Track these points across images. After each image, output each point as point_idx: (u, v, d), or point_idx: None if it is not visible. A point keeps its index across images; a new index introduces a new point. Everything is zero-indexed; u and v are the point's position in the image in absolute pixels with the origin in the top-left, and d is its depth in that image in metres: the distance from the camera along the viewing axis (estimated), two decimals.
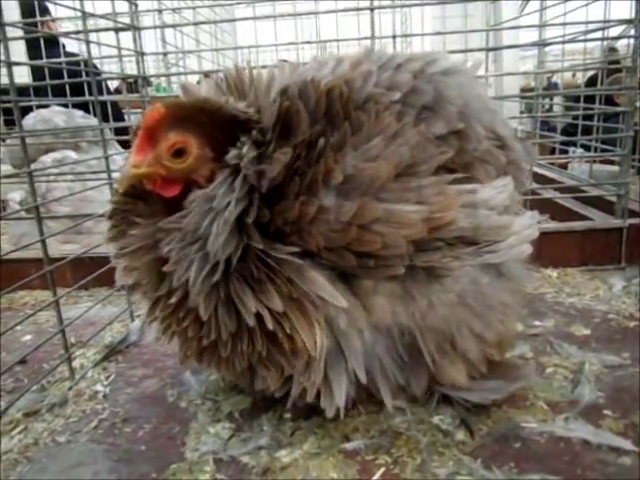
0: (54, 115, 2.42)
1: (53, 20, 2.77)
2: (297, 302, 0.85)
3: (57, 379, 1.24)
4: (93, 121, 2.63)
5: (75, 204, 2.04)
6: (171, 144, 0.84)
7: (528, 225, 1.01)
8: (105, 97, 2.33)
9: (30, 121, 2.43)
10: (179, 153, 0.85)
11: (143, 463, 0.95)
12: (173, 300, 0.86)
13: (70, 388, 1.20)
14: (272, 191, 0.85)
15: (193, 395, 1.14)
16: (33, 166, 2.40)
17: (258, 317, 0.83)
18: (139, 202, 0.92)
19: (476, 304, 0.93)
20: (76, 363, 1.30)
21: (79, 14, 1.39)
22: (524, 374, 1.04)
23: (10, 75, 1.08)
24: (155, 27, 1.91)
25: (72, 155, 2.43)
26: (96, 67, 2.11)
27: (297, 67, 1.02)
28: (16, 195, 2.39)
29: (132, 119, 2.21)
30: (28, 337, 1.52)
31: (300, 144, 0.85)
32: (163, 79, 3.43)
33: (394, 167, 0.84)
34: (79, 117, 2.52)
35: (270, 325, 0.83)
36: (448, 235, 0.88)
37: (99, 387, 1.20)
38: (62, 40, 2.52)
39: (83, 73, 1.92)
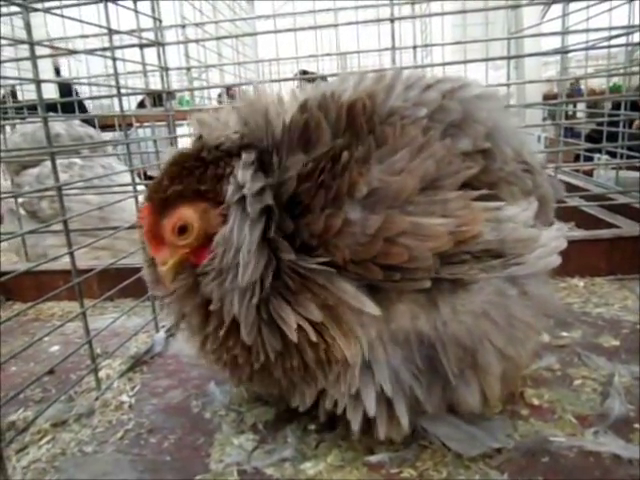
0: (55, 124, 2.48)
1: None
2: (332, 310, 0.85)
3: (84, 389, 1.26)
4: (91, 130, 2.71)
5: (93, 213, 2.07)
6: (171, 229, 0.88)
7: (555, 237, 1.00)
8: (131, 112, 2.37)
9: (29, 128, 2.49)
10: (184, 229, 0.87)
11: (168, 474, 0.95)
12: (221, 333, 0.87)
13: (96, 398, 1.21)
14: (297, 205, 0.86)
15: (217, 406, 1.15)
16: (37, 170, 2.48)
17: (299, 331, 0.84)
18: None
19: (500, 317, 0.91)
20: (102, 374, 1.32)
21: (105, 31, 1.42)
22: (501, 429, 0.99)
23: (39, 91, 1.11)
24: (179, 42, 1.94)
25: (78, 161, 2.49)
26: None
27: (319, 84, 1.03)
28: (19, 198, 2.43)
29: (157, 132, 2.24)
30: (56, 347, 1.54)
31: (323, 157, 0.86)
32: (186, 93, 3.49)
33: (420, 180, 0.84)
34: (78, 126, 2.59)
35: (313, 337, 0.84)
36: (475, 248, 0.88)
37: (125, 398, 1.22)
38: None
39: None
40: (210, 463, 0.97)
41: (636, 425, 0.98)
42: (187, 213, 0.87)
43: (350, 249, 0.83)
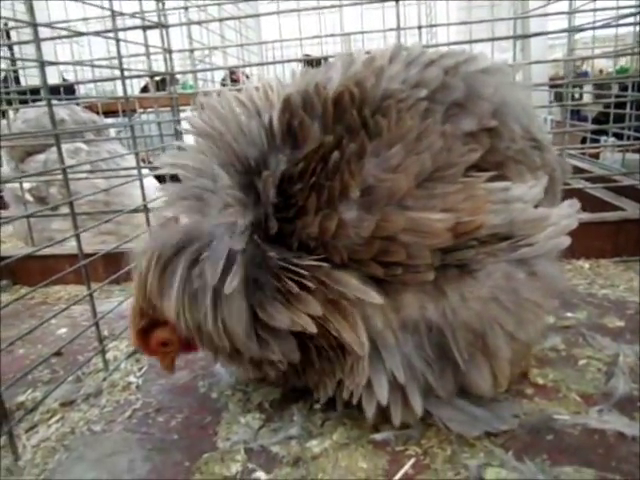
0: (58, 110, 2.47)
1: None
2: (334, 304, 0.86)
3: (91, 371, 1.28)
4: (95, 116, 2.72)
5: (97, 195, 2.08)
6: (156, 345, 1.01)
7: (567, 215, 0.98)
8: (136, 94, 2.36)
9: (32, 115, 2.49)
10: (166, 344, 1.01)
11: (176, 452, 0.97)
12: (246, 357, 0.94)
13: (104, 379, 1.23)
14: (292, 206, 0.86)
15: (224, 386, 1.16)
16: (43, 157, 2.48)
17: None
18: None
19: (508, 301, 0.90)
20: (109, 355, 1.33)
21: (107, 13, 1.41)
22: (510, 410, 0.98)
23: (42, 73, 1.10)
24: (182, 24, 1.93)
25: (83, 147, 2.49)
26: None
27: (307, 71, 1.00)
28: (26, 184, 2.44)
29: (160, 117, 2.23)
30: (63, 330, 1.56)
31: (313, 156, 0.85)
32: (190, 76, 3.47)
33: (414, 178, 0.83)
34: (81, 111, 2.59)
35: (313, 329, 0.85)
36: (481, 234, 0.87)
37: (132, 378, 1.23)
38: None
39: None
40: (217, 441, 0.98)
41: None
42: (161, 334, 0.99)
43: (347, 249, 0.83)
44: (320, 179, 0.84)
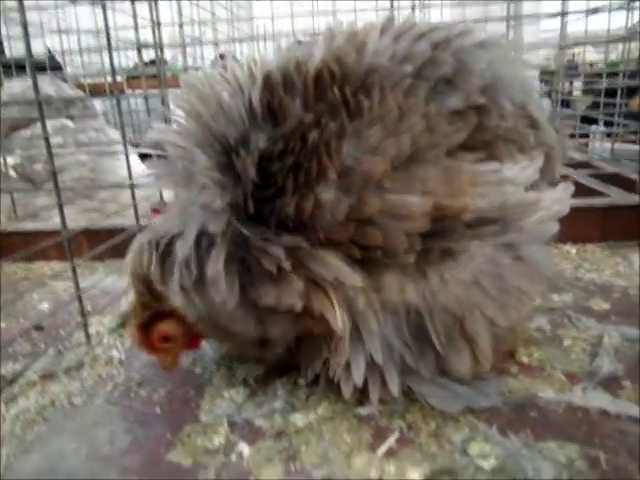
0: (44, 85, 2.42)
1: None
2: (316, 284, 0.85)
3: (73, 344, 1.25)
4: (81, 93, 2.67)
5: (82, 172, 2.05)
6: (158, 341, 0.97)
7: (559, 199, 0.97)
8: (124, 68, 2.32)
9: (18, 89, 2.44)
10: (168, 339, 0.97)
11: (158, 424, 0.95)
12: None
13: (86, 353, 1.21)
14: (271, 185, 0.84)
15: (208, 361, 1.15)
16: (28, 132, 2.43)
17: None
18: None
19: (491, 286, 0.89)
20: (92, 330, 1.30)
21: None
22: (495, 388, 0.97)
23: (26, 35, 1.07)
24: None
25: (69, 124, 2.45)
26: None
27: (292, 46, 0.98)
28: (10, 160, 2.39)
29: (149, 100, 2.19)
30: (45, 305, 1.53)
31: (292, 136, 0.83)
32: (179, 59, 3.42)
33: (391, 160, 0.81)
34: (67, 88, 2.55)
35: (298, 307, 0.84)
36: (466, 218, 0.85)
37: (115, 353, 1.21)
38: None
39: None
40: (200, 414, 0.97)
41: (624, 382, 0.99)
42: (165, 327, 0.96)
43: (324, 231, 0.82)
44: (300, 158, 0.83)
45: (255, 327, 0.89)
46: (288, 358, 0.99)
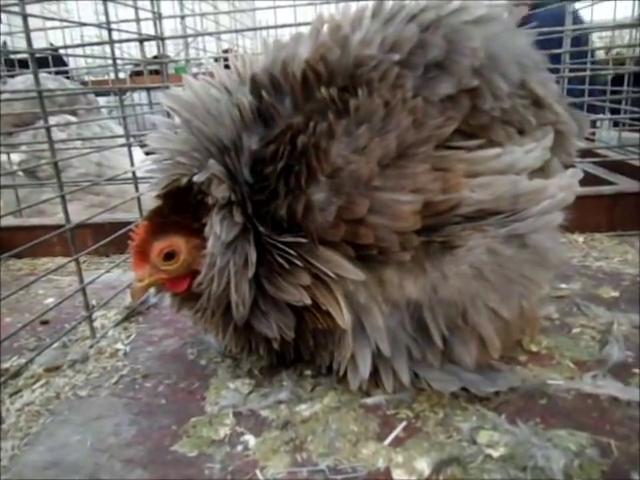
0: (47, 81, 2.43)
1: None
2: (319, 279, 0.85)
3: (78, 338, 1.25)
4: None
5: (89, 168, 2.04)
6: (158, 252, 0.93)
7: (566, 186, 0.93)
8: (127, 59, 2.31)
9: (21, 85, 2.44)
10: (170, 256, 0.94)
11: (163, 416, 0.95)
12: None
13: (91, 346, 1.20)
14: (265, 188, 0.85)
15: (213, 353, 1.14)
16: (32, 130, 2.42)
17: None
18: None
19: (493, 276, 0.87)
20: (97, 323, 1.30)
21: None
22: (505, 379, 0.94)
23: (26, 25, 1.06)
24: None
25: (72, 120, 2.45)
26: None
27: (278, 43, 0.95)
28: (15, 157, 2.39)
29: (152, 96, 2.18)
30: (51, 300, 1.53)
31: (282, 138, 0.84)
32: (182, 62, 3.42)
33: (378, 160, 0.81)
34: (69, 84, 2.55)
35: (307, 300, 0.85)
36: (464, 211, 0.84)
37: (120, 345, 1.21)
38: None
39: None
40: (205, 406, 0.96)
41: (635, 370, 0.97)
42: (178, 242, 0.93)
43: (318, 231, 0.83)
44: (290, 161, 0.83)
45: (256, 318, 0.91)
46: (290, 352, 0.99)
